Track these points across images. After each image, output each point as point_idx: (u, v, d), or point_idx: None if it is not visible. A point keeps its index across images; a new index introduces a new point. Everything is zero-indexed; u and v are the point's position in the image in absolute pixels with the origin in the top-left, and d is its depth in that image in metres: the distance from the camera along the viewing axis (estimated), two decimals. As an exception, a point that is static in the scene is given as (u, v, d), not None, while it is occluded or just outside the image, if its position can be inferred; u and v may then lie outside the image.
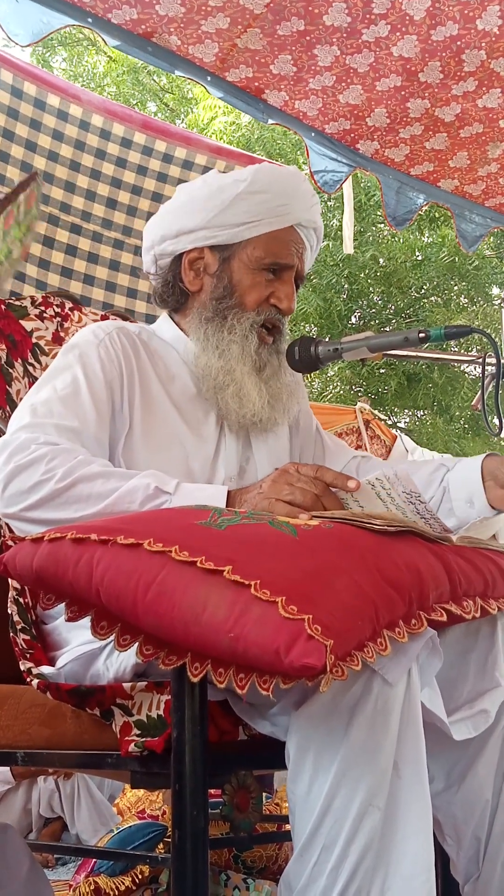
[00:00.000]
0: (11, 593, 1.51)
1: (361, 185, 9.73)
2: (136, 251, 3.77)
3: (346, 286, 10.65)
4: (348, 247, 3.84)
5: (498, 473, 1.56)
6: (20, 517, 1.34)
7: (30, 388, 1.68)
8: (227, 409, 1.57)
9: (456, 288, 11.36)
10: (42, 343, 1.77)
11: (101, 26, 2.72)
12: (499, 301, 11.81)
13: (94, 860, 2.21)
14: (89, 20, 2.69)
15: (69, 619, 1.12)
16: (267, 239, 1.59)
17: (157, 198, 3.83)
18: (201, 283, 1.63)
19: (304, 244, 1.63)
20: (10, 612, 1.50)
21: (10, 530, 1.56)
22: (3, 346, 1.70)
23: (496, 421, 1.66)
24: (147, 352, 1.60)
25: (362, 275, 10.55)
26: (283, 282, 1.61)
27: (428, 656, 1.09)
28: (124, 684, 1.26)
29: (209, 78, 2.94)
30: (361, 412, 5.02)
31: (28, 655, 1.44)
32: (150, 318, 3.71)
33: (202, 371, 1.58)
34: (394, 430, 5.54)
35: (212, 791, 1.15)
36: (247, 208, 1.58)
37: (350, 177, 3.39)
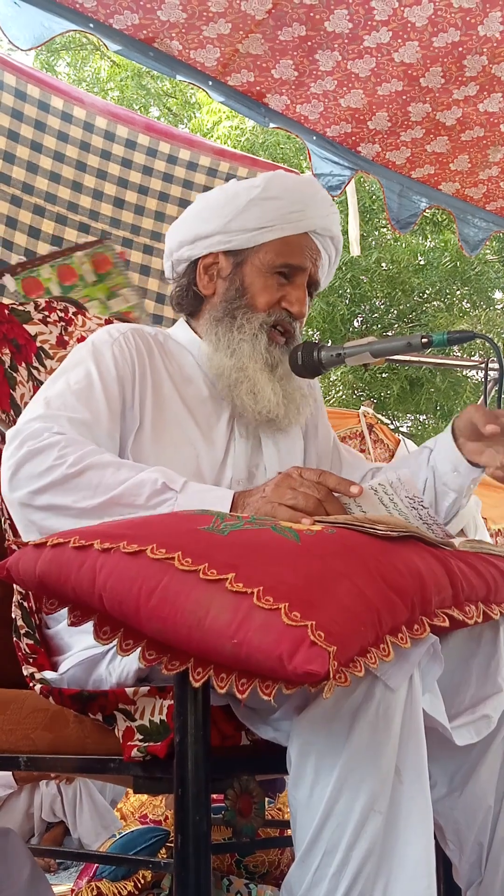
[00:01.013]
0: (16, 598, 1.51)
1: (366, 188, 9.74)
2: (145, 249, 3.79)
3: (349, 290, 10.66)
4: (354, 249, 3.86)
5: (463, 427, 1.55)
6: (27, 502, 1.35)
7: (34, 391, 1.69)
8: (243, 406, 1.58)
9: (459, 292, 11.37)
10: (46, 347, 1.77)
11: (103, 31, 2.73)
12: (501, 305, 11.81)
13: (96, 865, 2.20)
14: (91, 25, 2.71)
15: (71, 625, 1.12)
16: (279, 243, 1.61)
17: (164, 197, 3.85)
18: (214, 286, 1.65)
19: (318, 251, 1.64)
20: (13, 616, 1.50)
21: (14, 534, 1.56)
22: (8, 351, 1.70)
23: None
24: (162, 353, 1.62)
25: (365, 279, 10.56)
26: (294, 286, 1.62)
27: (429, 662, 1.09)
28: (127, 689, 1.26)
29: (210, 82, 2.95)
30: (365, 416, 5.02)
31: (31, 660, 1.44)
32: (158, 318, 3.73)
33: (215, 371, 1.60)
34: (397, 435, 5.54)
35: (214, 796, 1.14)
36: (260, 213, 1.60)
37: (353, 180, 3.40)
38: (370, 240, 10.58)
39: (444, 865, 1.32)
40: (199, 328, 1.67)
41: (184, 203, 3.89)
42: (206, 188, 3.90)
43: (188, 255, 1.67)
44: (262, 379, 1.57)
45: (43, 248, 3.54)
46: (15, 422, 1.59)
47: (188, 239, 1.66)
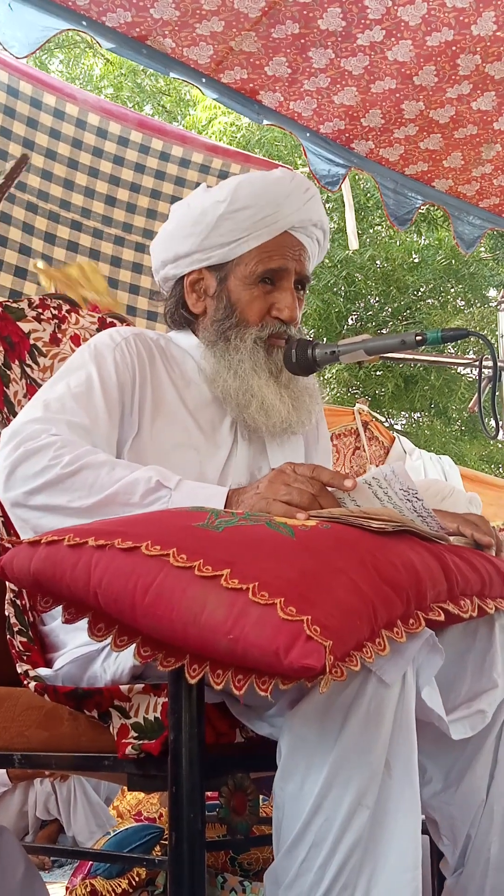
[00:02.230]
0: (8, 595, 1.51)
1: (361, 186, 9.74)
2: (138, 248, 3.79)
3: (343, 288, 10.66)
4: (353, 243, 3.86)
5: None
6: (22, 502, 1.35)
7: (28, 389, 1.69)
8: (256, 423, 1.57)
9: (453, 290, 11.37)
10: (39, 344, 1.77)
11: (96, 29, 2.73)
12: (495, 303, 11.82)
13: (90, 862, 2.20)
14: (83, 23, 2.70)
15: (66, 622, 1.12)
16: (258, 251, 1.59)
17: (156, 195, 3.84)
18: (204, 305, 1.65)
19: (301, 246, 1.62)
20: (6, 614, 1.49)
21: (7, 532, 1.56)
22: (1, 348, 1.70)
23: (493, 423, 1.66)
24: (163, 358, 1.62)
25: (360, 276, 10.56)
26: (282, 290, 1.60)
27: (428, 654, 1.09)
28: (121, 686, 1.26)
29: (204, 80, 2.95)
30: (360, 413, 5.01)
31: (25, 657, 1.44)
32: (153, 315, 3.73)
33: (222, 393, 1.59)
34: (392, 432, 5.53)
35: (209, 793, 1.15)
36: (231, 227, 1.58)
37: (347, 176, 3.40)
38: (364, 237, 10.57)
39: (438, 859, 1.33)
40: (199, 335, 1.67)
41: (176, 200, 3.88)
42: (199, 185, 3.90)
43: (173, 274, 1.67)
44: (269, 392, 1.56)
45: (37, 245, 3.53)
46: (8, 420, 1.59)
47: (169, 258, 1.66)
